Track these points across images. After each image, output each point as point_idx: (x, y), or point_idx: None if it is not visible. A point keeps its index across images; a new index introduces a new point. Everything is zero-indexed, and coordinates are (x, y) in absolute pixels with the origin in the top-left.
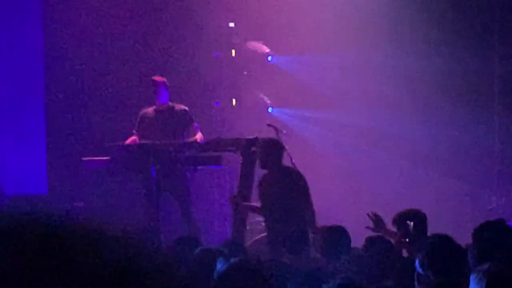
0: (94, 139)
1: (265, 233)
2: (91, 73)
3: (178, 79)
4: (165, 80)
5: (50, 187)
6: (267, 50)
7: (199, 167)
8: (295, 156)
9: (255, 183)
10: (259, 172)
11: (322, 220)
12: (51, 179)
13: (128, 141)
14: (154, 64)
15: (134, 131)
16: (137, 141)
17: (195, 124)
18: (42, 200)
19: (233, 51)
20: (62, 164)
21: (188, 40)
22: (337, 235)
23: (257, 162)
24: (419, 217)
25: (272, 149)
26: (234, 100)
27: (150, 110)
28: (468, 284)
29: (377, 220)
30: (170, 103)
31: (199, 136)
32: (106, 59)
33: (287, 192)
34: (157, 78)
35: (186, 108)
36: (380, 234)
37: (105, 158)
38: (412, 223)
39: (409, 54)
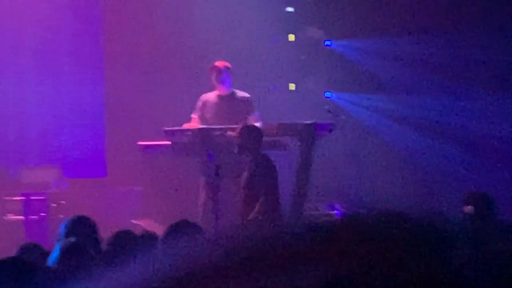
0: (153, 123)
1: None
2: (151, 56)
3: (236, 64)
4: (228, 65)
5: (109, 171)
6: (325, 35)
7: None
8: (352, 142)
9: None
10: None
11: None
12: (110, 163)
13: (188, 125)
14: (213, 48)
15: (193, 115)
16: (197, 125)
17: (256, 113)
18: (102, 183)
19: (291, 36)
20: (121, 148)
21: (246, 25)
22: None
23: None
24: (482, 200)
25: (251, 135)
26: (291, 85)
27: (211, 95)
28: None
29: None
30: (232, 90)
31: (258, 123)
32: (165, 43)
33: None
34: (220, 63)
35: (248, 95)
36: None
37: (165, 142)
38: (471, 206)
39: (470, 44)
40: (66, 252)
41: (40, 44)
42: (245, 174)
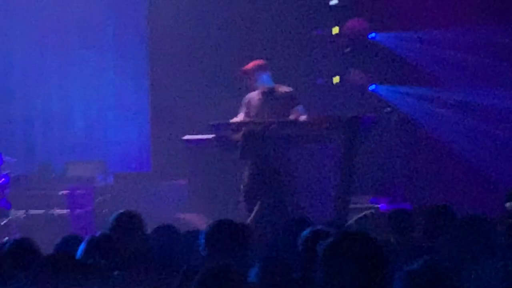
0: (198, 117)
1: (370, 211)
2: (195, 51)
3: (280, 57)
4: (263, 63)
5: (154, 165)
6: (369, 27)
7: (303, 145)
8: (398, 134)
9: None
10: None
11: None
12: (155, 157)
13: (233, 119)
14: (257, 42)
15: (240, 113)
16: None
17: (300, 106)
18: (146, 177)
19: (336, 28)
20: (165, 142)
21: (291, 18)
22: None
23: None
24: None
25: (253, 140)
26: (336, 78)
27: (255, 94)
28: None
29: None
30: (274, 85)
31: (303, 117)
32: (209, 38)
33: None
34: (251, 65)
35: (291, 89)
36: None
37: (209, 136)
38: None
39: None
40: (91, 245)
41: (85, 40)
42: (245, 177)
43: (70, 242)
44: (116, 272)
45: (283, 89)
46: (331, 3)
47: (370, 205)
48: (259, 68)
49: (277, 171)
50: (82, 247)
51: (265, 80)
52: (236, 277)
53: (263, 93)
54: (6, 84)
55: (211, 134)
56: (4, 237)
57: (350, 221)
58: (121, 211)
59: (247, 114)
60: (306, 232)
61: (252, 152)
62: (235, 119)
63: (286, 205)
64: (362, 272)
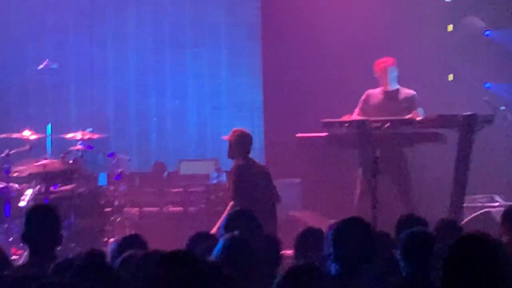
0: (311, 114)
1: (484, 210)
2: (308, 48)
3: (394, 55)
4: (394, 63)
5: (267, 163)
6: (484, 25)
7: (418, 144)
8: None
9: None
10: None
11: None
12: (268, 155)
13: (347, 117)
14: (372, 39)
15: (355, 110)
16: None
17: (421, 109)
18: None
19: (450, 26)
20: (278, 140)
21: (406, 16)
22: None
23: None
24: None
25: (241, 140)
26: (451, 75)
27: (377, 91)
28: None
29: None
30: (398, 86)
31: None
32: (322, 35)
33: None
34: (386, 61)
35: (413, 93)
36: None
37: (322, 134)
38: None
39: None
40: (229, 246)
41: (198, 38)
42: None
43: (201, 239)
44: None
45: (406, 91)
46: (447, 0)
47: (486, 203)
48: (394, 67)
49: (391, 169)
50: (218, 247)
51: (394, 78)
52: (319, 274)
53: (386, 93)
54: (121, 83)
55: (324, 131)
56: (119, 234)
57: (465, 220)
58: (236, 209)
59: (363, 111)
60: (416, 230)
61: (239, 152)
62: (348, 117)
63: (400, 202)
64: (479, 275)
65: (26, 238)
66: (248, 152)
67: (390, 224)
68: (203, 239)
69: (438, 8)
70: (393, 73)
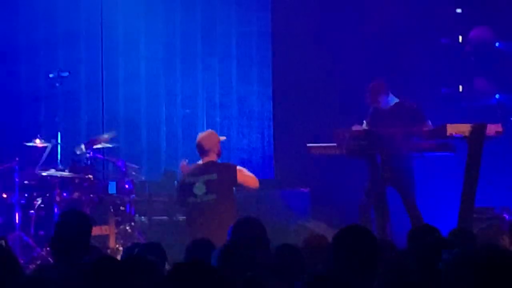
0: (320, 125)
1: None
2: (318, 59)
3: (405, 65)
4: (383, 85)
5: (276, 173)
6: (495, 36)
7: (426, 154)
8: None
9: None
10: None
11: None
12: (278, 165)
13: (355, 127)
14: (382, 50)
15: (365, 121)
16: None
17: (429, 121)
18: (268, 185)
19: (460, 37)
20: (288, 150)
21: (415, 27)
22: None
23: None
24: None
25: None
26: (461, 86)
27: (382, 107)
28: None
29: None
30: (398, 101)
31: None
32: (332, 46)
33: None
34: (373, 86)
35: (416, 104)
36: None
37: (332, 144)
38: None
39: None
40: (225, 253)
41: (209, 47)
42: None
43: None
44: (249, 273)
45: (409, 104)
46: (457, 11)
47: (495, 214)
48: (381, 90)
49: (398, 179)
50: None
51: (388, 101)
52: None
53: (390, 108)
54: (131, 91)
55: (334, 142)
56: (129, 242)
57: (475, 231)
58: (243, 218)
59: (370, 124)
60: (430, 239)
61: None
62: (357, 127)
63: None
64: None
65: (54, 242)
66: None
67: (398, 233)
68: (202, 247)
69: (449, 18)
70: (388, 94)
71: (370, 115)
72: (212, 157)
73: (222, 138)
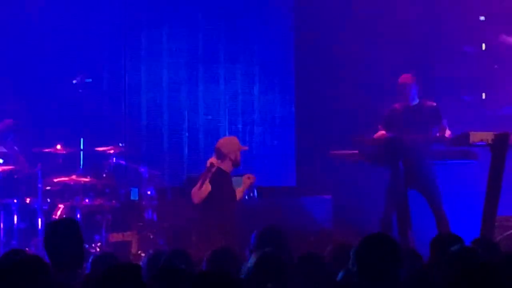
0: (342, 132)
1: None
2: (340, 65)
3: (427, 72)
4: (410, 79)
5: (298, 180)
6: None
7: (448, 161)
8: None
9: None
10: None
11: None
12: (300, 172)
13: (377, 134)
14: (405, 58)
15: (380, 126)
16: (385, 135)
17: (445, 120)
18: (290, 192)
19: (484, 45)
20: (310, 157)
21: (438, 34)
22: None
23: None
24: None
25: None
26: (484, 94)
27: (398, 106)
28: None
29: None
30: (420, 100)
31: (447, 132)
32: (355, 51)
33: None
34: (403, 78)
35: (435, 104)
36: None
37: (353, 151)
38: None
39: None
40: (262, 263)
41: (231, 54)
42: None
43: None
44: (269, 285)
45: (428, 103)
46: (480, 18)
47: None
48: (411, 83)
49: (423, 186)
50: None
51: (413, 95)
52: None
53: (408, 107)
54: (154, 97)
55: (355, 149)
56: (151, 249)
57: (497, 239)
58: (266, 226)
59: (386, 126)
60: (455, 248)
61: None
62: (377, 134)
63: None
64: None
65: (48, 251)
66: None
67: (421, 240)
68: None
69: (472, 26)
70: (411, 89)
71: (386, 118)
72: (224, 165)
73: (244, 148)
